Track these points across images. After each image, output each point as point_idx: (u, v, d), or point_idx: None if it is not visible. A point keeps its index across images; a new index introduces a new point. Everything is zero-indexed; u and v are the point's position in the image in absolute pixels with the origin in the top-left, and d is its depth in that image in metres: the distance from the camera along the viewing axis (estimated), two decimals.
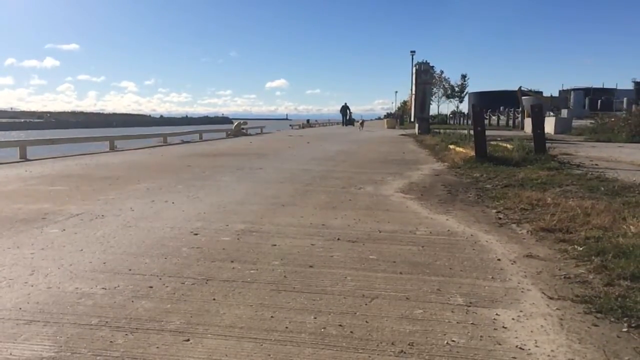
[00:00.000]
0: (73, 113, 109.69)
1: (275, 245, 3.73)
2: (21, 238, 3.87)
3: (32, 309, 2.50)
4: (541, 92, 31.88)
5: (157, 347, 2.10)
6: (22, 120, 76.70)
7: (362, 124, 36.53)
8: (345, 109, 46.42)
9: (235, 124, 26.72)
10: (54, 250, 3.53)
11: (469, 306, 2.58)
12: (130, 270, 3.11)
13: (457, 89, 67.37)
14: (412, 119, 27.89)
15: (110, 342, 2.14)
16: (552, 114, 23.06)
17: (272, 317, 2.43)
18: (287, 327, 2.31)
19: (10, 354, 2.03)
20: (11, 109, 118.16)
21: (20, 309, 2.49)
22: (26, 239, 3.85)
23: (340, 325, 2.33)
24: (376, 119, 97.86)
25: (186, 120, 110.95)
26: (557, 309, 2.54)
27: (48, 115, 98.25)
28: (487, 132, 10.45)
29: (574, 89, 60.59)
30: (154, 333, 2.23)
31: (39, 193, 6.11)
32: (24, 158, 11.20)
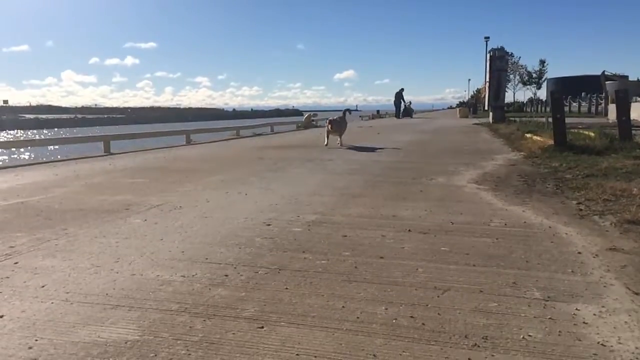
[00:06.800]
0: (152, 108, 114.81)
1: (345, 236, 3.74)
2: (107, 228, 4.11)
3: (117, 294, 2.65)
4: (627, 76, 29.95)
5: (234, 334, 2.17)
6: (106, 116, 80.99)
7: (332, 125, 12.13)
8: (399, 96, 35.98)
9: (306, 116, 26.93)
10: (136, 240, 3.72)
11: (547, 300, 2.49)
12: (206, 259, 3.23)
13: (534, 75, 64.70)
14: (486, 108, 27.02)
15: (190, 327, 2.24)
16: (638, 99, 21.63)
17: (343, 307, 2.45)
18: (358, 317, 2.32)
19: (99, 336, 2.17)
20: (95, 105, 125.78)
21: (107, 294, 2.65)
22: (111, 228, 4.08)
23: (411, 317, 2.32)
24: (448, 108, 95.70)
25: (259, 113, 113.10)
26: None
27: (129, 110, 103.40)
28: (567, 120, 9.98)
29: None
30: (230, 320, 2.31)
31: (121, 185, 6.45)
32: (107, 152, 11.84)
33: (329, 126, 12.22)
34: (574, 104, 38.85)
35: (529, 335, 2.11)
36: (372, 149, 11.15)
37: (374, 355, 1.97)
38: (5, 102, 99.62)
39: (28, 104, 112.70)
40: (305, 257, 3.24)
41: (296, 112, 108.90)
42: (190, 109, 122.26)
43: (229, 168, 8.03)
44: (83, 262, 3.20)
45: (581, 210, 4.49)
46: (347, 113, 13.69)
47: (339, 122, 12.41)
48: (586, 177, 6.04)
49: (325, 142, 12.02)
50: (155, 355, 1.99)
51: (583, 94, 41.56)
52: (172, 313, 2.39)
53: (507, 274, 2.87)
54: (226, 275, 2.91)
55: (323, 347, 2.04)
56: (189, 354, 1.99)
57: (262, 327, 2.23)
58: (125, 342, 2.10)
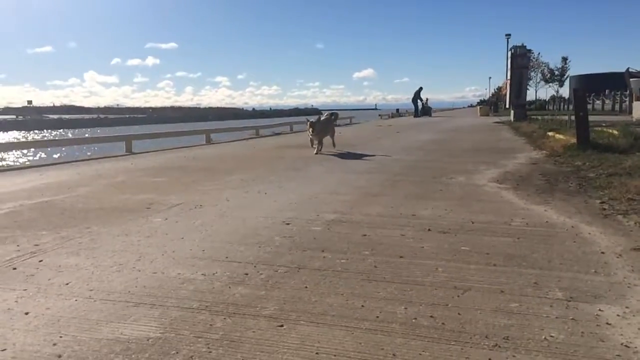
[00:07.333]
0: (172, 108, 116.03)
1: (365, 235, 3.74)
2: (129, 226, 4.16)
3: (139, 292, 2.69)
4: None
5: (253, 332, 2.19)
6: (127, 116, 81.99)
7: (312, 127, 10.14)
8: (417, 94, 35.36)
9: (325, 115, 26.87)
10: (157, 238, 3.77)
11: (569, 301, 2.46)
12: (227, 257, 3.25)
13: (556, 72, 63.81)
14: (507, 106, 26.72)
15: (210, 325, 2.26)
16: None
17: (362, 306, 2.45)
18: (377, 317, 2.32)
19: (121, 333, 2.20)
20: (117, 105, 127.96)
21: (129, 292, 2.69)
22: (133, 227, 4.14)
23: (431, 317, 2.31)
24: (468, 106, 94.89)
25: (278, 113, 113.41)
26: None
27: (150, 110, 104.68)
28: (591, 118, 9.83)
29: None
30: (250, 318, 2.33)
31: (143, 184, 6.52)
32: (129, 151, 11.98)
33: (310, 130, 10.17)
34: (598, 101, 38.24)
35: (551, 336, 2.09)
36: (391, 148, 11.11)
37: (394, 355, 1.97)
38: (29, 102, 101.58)
39: (52, 105, 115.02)
40: (324, 256, 3.25)
41: (315, 111, 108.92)
42: (210, 108, 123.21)
43: (249, 167, 8.07)
44: (106, 260, 3.25)
45: (604, 209, 4.42)
46: (334, 117, 12.11)
47: (323, 123, 10.63)
48: (610, 176, 5.94)
49: (315, 151, 10.04)
50: (177, 352, 2.02)
51: (607, 91, 40.84)
52: (193, 311, 2.42)
53: (529, 274, 2.84)
54: (246, 274, 2.93)
55: (342, 346, 2.05)
56: (210, 352, 2.01)
57: (282, 326, 2.24)
58: (147, 340, 2.13)
